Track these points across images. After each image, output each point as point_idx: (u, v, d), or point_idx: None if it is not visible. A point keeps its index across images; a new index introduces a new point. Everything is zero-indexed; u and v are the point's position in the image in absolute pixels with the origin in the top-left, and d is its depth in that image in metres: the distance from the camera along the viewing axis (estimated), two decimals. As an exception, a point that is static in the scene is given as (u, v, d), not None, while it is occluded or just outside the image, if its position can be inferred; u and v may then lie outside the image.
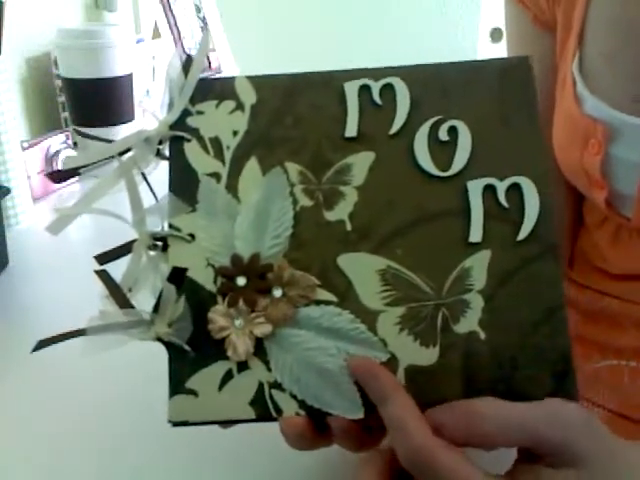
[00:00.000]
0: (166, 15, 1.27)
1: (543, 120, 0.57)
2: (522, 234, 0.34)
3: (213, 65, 1.37)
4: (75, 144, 1.05)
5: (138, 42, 1.18)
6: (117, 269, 0.35)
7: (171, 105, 0.37)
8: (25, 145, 0.94)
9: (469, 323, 0.33)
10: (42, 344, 0.33)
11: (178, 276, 0.34)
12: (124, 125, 1.06)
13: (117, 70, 1.02)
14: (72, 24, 1.15)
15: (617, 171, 0.52)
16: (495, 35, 1.72)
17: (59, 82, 1.07)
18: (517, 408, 0.30)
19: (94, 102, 1.03)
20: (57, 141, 1.00)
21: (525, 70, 0.37)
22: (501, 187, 0.35)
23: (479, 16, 1.72)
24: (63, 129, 1.07)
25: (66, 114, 1.09)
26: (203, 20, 1.37)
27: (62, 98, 1.09)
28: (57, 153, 1.00)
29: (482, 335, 0.33)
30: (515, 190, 0.35)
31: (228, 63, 1.41)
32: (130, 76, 1.05)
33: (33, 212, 0.89)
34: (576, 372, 0.33)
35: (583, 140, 0.53)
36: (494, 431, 0.29)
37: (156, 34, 1.27)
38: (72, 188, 0.99)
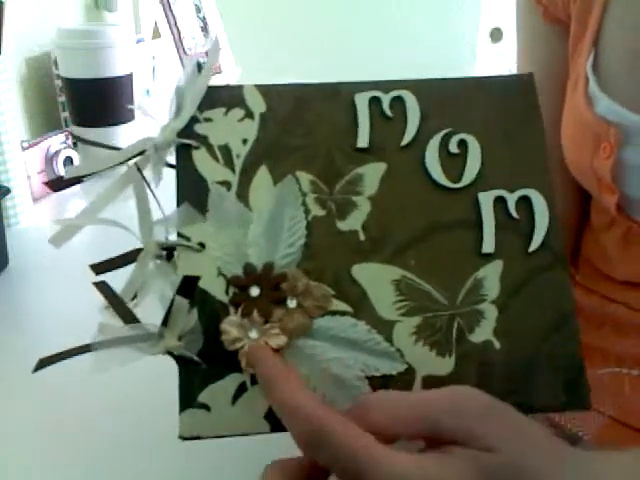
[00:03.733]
0: (166, 15, 1.27)
1: (551, 120, 0.56)
2: (533, 245, 0.35)
3: (213, 65, 1.37)
4: (75, 144, 1.05)
5: (138, 42, 1.18)
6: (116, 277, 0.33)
7: (178, 112, 0.36)
8: (25, 145, 0.94)
9: (484, 333, 0.33)
10: (43, 363, 0.31)
11: (189, 287, 0.33)
12: (124, 125, 1.06)
13: (117, 70, 1.02)
14: (72, 24, 1.15)
15: (629, 176, 0.51)
16: (495, 35, 1.72)
17: (59, 82, 1.07)
18: (416, 397, 0.29)
19: (94, 102, 1.03)
20: (57, 141, 1.00)
21: (529, 86, 0.37)
22: (511, 199, 0.35)
23: (479, 16, 1.72)
24: (63, 129, 1.07)
25: (66, 114, 1.09)
26: (203, 20, 1.36)
27: (62, 98, 1.09)
28: (57, 153, 1.00)
29: (497, 345, 0.33)
30: (524, 202, 0.35)
31: (228, 63, 1.41)
32: (130, 76, 1.05)
33: (33, 212, 0.89)
34: (588, 380, 0.33)
35: (594, 143, 0.52)
36: (384, 421, 0.28)
37: (156, 34, 1.27)
38: (73, 189, 0.99)
